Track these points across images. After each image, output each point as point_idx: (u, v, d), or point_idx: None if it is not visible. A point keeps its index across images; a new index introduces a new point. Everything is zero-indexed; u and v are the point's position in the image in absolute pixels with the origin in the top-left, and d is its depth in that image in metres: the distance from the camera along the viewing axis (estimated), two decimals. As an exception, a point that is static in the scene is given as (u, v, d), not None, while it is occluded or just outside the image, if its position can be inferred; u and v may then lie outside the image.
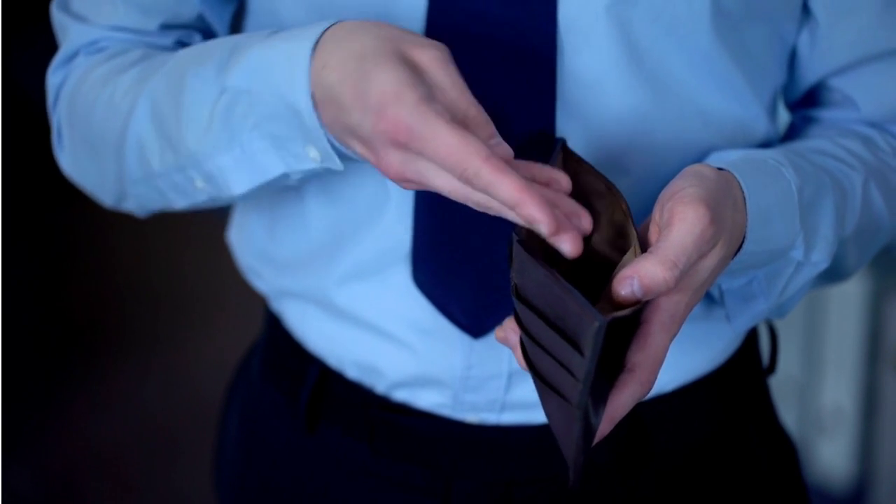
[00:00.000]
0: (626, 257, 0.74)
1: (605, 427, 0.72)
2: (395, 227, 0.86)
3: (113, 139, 0.86)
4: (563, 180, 0.72)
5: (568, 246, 0.67)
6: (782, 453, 1.00)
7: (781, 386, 2.02)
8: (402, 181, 0.71)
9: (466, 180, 0.67)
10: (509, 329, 0.75)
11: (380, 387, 0.91)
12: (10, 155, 2.84)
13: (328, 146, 0.75)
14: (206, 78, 0.79)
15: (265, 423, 0.99)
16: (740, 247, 0.76)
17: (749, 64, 0.85)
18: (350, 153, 0.75)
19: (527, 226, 0.68)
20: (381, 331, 0.89)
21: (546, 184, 0.72)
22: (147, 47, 0.90)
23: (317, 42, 0.73)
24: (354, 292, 0.89)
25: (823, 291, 1.98)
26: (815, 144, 0.88)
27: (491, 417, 0.89)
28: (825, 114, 0.93)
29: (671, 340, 0.72)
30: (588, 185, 0.78)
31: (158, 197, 0.88)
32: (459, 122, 0.69)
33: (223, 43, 0.81)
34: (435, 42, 0.72)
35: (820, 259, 0.83)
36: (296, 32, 0.75)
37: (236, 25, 0.94)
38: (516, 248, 0.71)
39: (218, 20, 0.91)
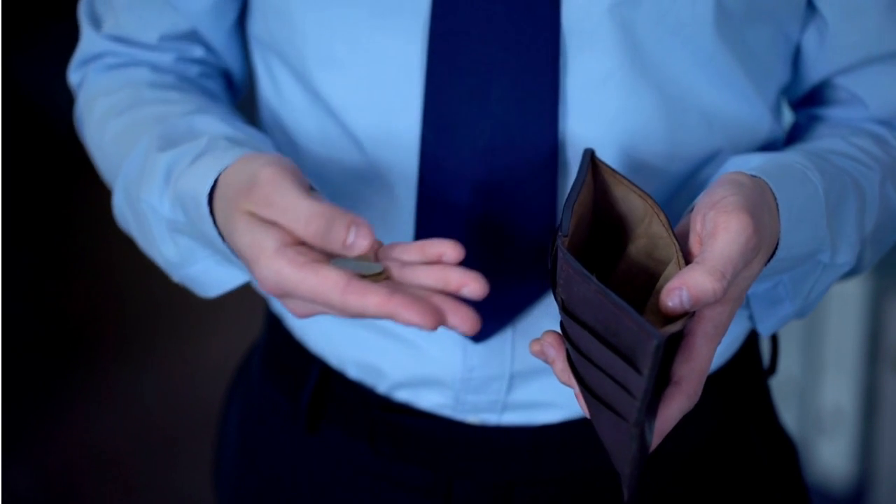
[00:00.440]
0: (669, 269, 0.74)
1: (655, 441, 0.71)
2: (397, 230, 0.86)
3: (113, 177, 0.89)
4: (451, 250, 0.71)
5: (464, 329, 0.68)
6: (783, 453, 1.00)
7: (781, 386, 2.02)
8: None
9: (338, 312, 0.68)
10: (547, 343, 0.74)
11: (381, 387, 0.91)
12: (10, 155, 2.84)
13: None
14: (155, 207, 0.82)
15: (265, 423, 0.99)
16: (773, 253, 0.76)
17: (753, 64, 0.85)
18: None
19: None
20: (382, 330, 0.89)
21: (436, 260, 0.71)
22: (147, 67, 0.92)
23: (212, 189, 0.75)
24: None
25: (823, 292, 1.97)
26: (830, 145, 0.88)
27: (492, 418, 0.89)
28: (832, 112, 0.92)
29: (715, 351, 0.72)
30: (620, 196, 0.77)
31: None
32: (313, 232, 0.68)
33: (160, 160, 0.82)
34: (266, 168, 0.71)
35: (846, 260, 0.83)
36: (202, 171, 0.77)
37: (240, 26, 0.94)
38: (562, 263, 0.71)
39: (213, 35, 0.92)
